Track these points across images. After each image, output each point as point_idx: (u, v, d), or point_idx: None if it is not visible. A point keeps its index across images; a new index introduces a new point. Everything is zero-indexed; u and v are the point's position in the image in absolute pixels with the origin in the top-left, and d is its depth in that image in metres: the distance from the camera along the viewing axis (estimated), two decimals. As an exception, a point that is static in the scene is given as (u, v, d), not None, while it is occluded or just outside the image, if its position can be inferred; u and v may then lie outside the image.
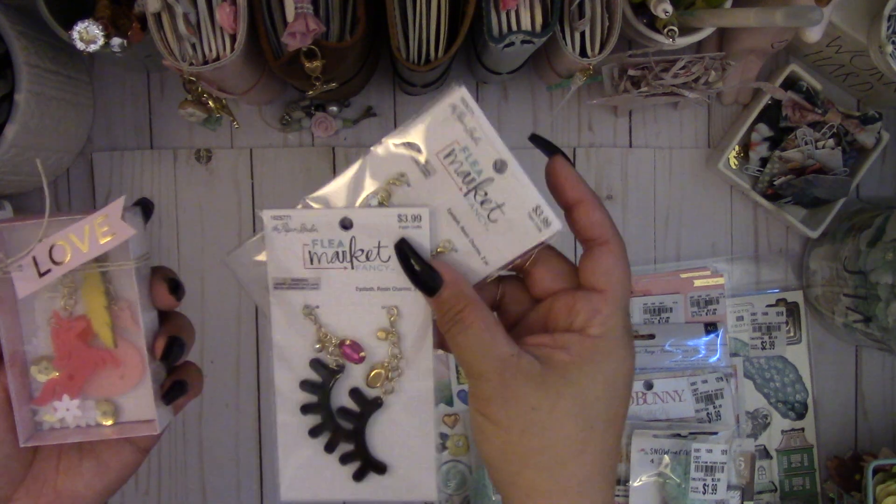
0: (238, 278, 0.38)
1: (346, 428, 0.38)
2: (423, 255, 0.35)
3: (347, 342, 0.38)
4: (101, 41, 0.54)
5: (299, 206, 0.37)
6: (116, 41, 0.55)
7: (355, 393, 0.38)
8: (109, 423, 0.40)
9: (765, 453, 0.76)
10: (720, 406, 0.72)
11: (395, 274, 0.36)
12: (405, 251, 0.35)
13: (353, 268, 0.37)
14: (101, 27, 0.54)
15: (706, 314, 0.75)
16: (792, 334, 0.77)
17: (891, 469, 0.69)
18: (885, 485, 0.68)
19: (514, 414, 0.33)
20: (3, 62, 0.58)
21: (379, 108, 0.74)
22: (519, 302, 0.38)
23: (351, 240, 0.36)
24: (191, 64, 0.55)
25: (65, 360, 0.39)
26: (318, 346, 0.38)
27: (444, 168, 0.36)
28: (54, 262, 0.36)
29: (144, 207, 0.39)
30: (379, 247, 0.36)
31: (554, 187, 0.36)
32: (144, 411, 0.40)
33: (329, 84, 0.59)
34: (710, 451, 0.68)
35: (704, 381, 0.72)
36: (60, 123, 0.65)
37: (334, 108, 0.73)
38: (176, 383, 0.39)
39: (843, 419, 0.79)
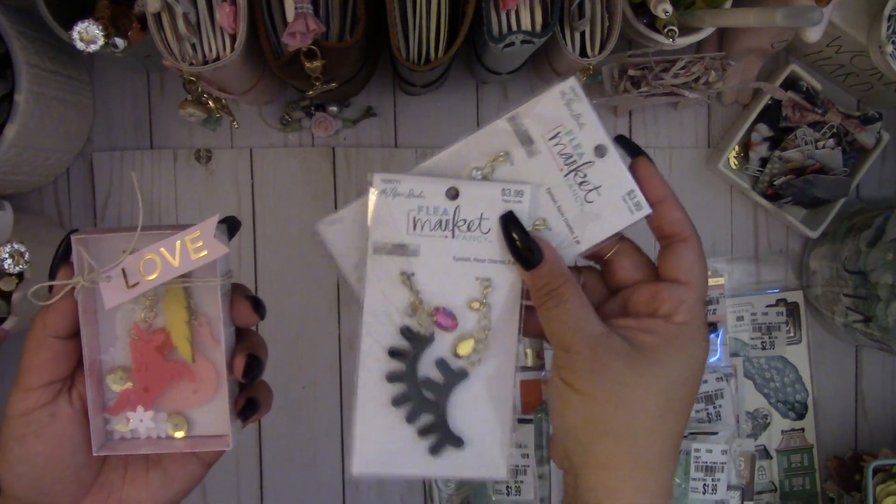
0: (328, 246, 0.38)
1: (429, 399, 0.38)
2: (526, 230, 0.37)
3: (442, 309, 0.38)
4: (101, 41, 0.54)
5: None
6: (119, 42, 0.55)
7: (441, 364, 0.38)
8: (180, 435, 0.40)
9: (765, 453, 0.76)
10: (720, 406, 0.72)
11: (492, 246, 0.37)
12: (510, 225, 0.36)
13: (453, 237, 0.37)
14: (101, 27, 0.54)
15: (706, 314, 0.75)
16: (792, 334, 0.77)
17: (891, 469, 0.69)
18: (885, 485, 0.68)
19: (602, 387, 0.35)
20: (3, 62, 0.58)
21: (379, 108, 0.74)
22: (597, 290, 0.40)
23: (456, 209, 0.37)
24: (191, 64, 0.55)
25: (141, 371, 0.39)
26: (410, 313, 0.38)
27: (548, 149, 0.37)
28: (144, 275, 0.37)
29: (231, 225, 0.39)
30: (481, 218, 0.37)
31: (638, 186, 0.38)
32: (216, 426, 0.40)
33: (329, 84, 0.59)
34: (709, 451, 0.68)
35: (704, 381, 0.72)
36: (60, 123, 0.65)
37: (334, 108, 0.73)
38: (250, 400, 0.40)
39: (843, 419, 0.79)
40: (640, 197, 0.38)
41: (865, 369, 0.79)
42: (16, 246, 0.59)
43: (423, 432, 0.38)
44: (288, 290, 0.74)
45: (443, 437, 0.38)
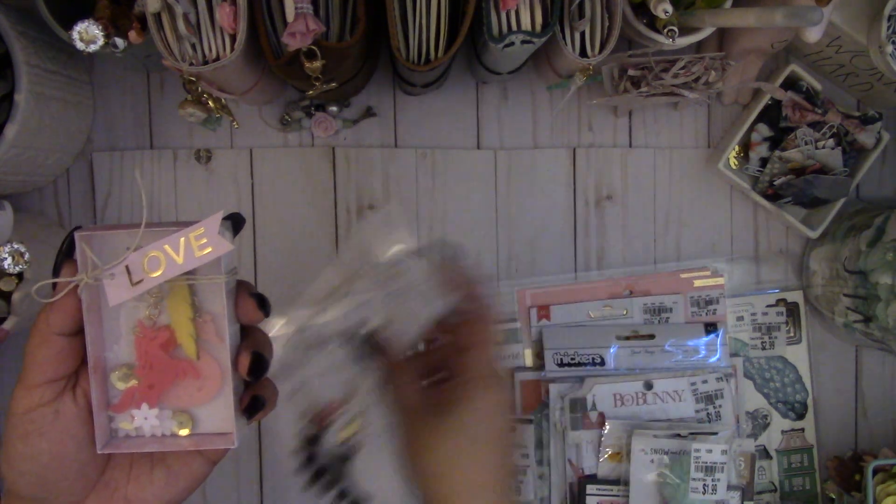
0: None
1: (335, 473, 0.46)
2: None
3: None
4: (101, 41, 0.54)
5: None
6: (118, 42, 0.55)
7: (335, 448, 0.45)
8: (185, 433, 0.40)
9: (765, 453, 0.76)
10: (720, 406, 0.72)
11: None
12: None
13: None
14: (101, 27, 0.54)
15: (706, 314, 0.75)
16: (792, 334, 0.77)
17: (891, 469, 0.69)
18: (885, 485, 0.68)
19: (420, 435, 0.45)
20: (3, 62, 0.58)
21: (379, 108, 0.74)
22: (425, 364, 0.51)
23: None
24: (191, 64, 0.55)
25: (146, 369, 0.39)
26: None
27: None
28: (148, 273, 0.36)
29: (235, 222, 0.39)
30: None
31: (445, 284, 0.48)
32: (221, 424, 0.40)
33: (329, 84, 0.59)
34: (710, 451, 0.68)
35: (704, 382, 0.72)
36: (60, 123, 0.65)
37: (334, 108, 0.73)
38: (255, 398, 0.40)
39: (843, 419, 0.79)
40: None
41: (865, 369, 0.79)
42: (16, 246, 0.59)
43: (339, 499, 0.46)
44: (288, 289, 0.74)
45: (355, 499, 0.46)
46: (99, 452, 0.38)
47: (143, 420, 0.39)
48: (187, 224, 0.37)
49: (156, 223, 0.38)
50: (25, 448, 0.36)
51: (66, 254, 0.37)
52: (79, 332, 0.37)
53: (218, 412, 0.40)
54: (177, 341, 0.39)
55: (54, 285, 0.37)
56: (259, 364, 0.39)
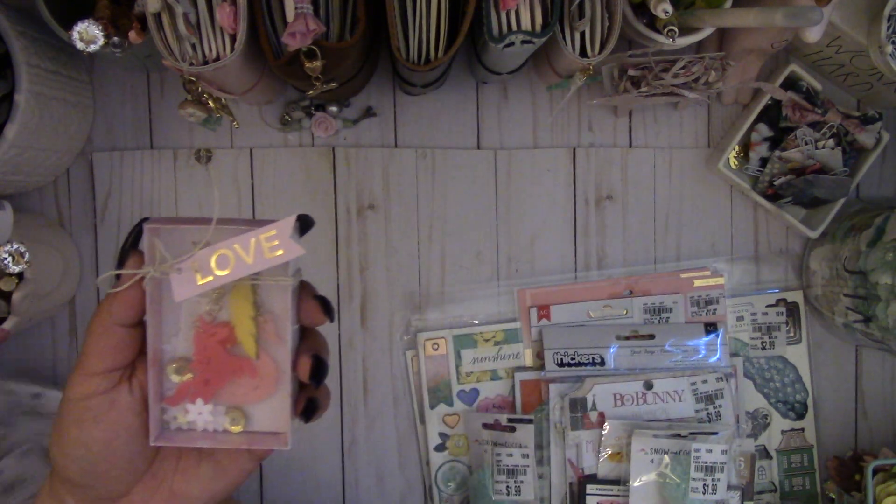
0: None
1: None
2: None
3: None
4: (101, 41, 0.54)
5: None
6: (118, 41, 0.55)
7: None
8: (238, 430, 0.40)
9: (765, 453, 0.76)
10: (720, 406, 0.72)
11: None
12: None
13: None
14: (101, 27, 0.54)
15: (706, 314, 0.75)
16: (792, 334, 0.77)
17: (891, 469, 0.69)
18: (885, 485, 0.68)
19: None
20: (3, 62, 0.58)
21: (379, 108, 0.74)
22: None
23: None
24: (191, 64, 0.55)
25: (204, 364, 0.39)
26: None
27: None
28: (216, 271, 0.36)
29: (305, 224, 0.38)
30: None
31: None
32: (274, 423, 0.40)
33: (329, 84, 0.59)
34: (710, 451, 0.68)
35: (704, 381, 0.72)
36: (60, 123, 0.65)
37: (334, 108, 0.73)
38: (311, 401, 0.40)
39: (843, 419, 0.79)
40: None
41: (865, 369, 0.79)
42: (16, 246, 0.59)
43: None
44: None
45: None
46: (151, 444, 0.38)
47: (197, 415, 0.39)
48: (258, 223, 0.36)
49: (226, 219, 0.37)
50: (79, 434, 0.36)
51: (133, 244, 0.37)
52: (139, 323, 0.37)
53: (272, 411, 0.40)
54: (236, 339, 0.39)
55: (118, 276, 0.36)
56: (320, 368, 0.39)
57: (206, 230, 0.36)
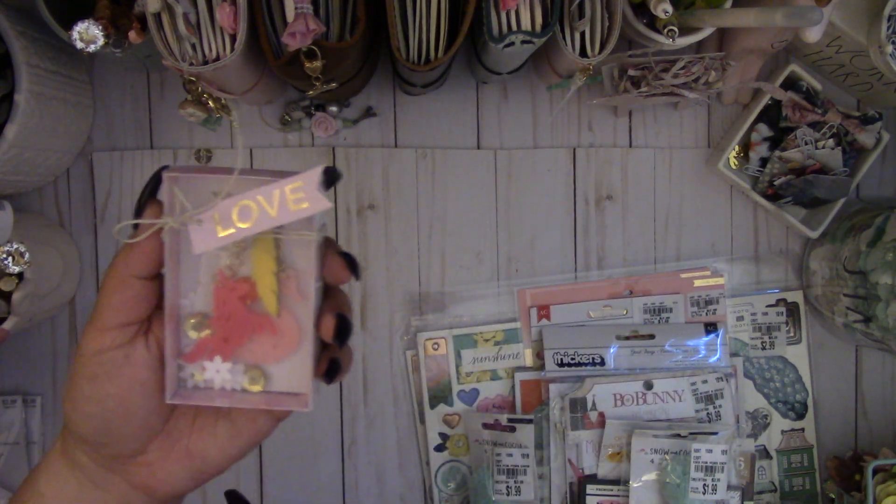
0: None
1: None
2: None
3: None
4: (101, 41, 0.54)
5: None
6: (119, 41, 0.55)
7: None
8: (257, 389, 0.38)
9: (765, 453, 0.76)
10: (720, 406, 0.72)
11: None
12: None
13: None
14: (101, 27, 0.54)
15: (706, 314, 0.75)
16: (792, 334, 0.77)
17: (891, 469, 0.69)
18: (885, 485, 0.68)
19: None
20: (3, 62, 0.58)
21: (379, 108, 0.74)
22: None
23: None
24: (191, 64, 0.55)
25: (223, 320, 0.37)
26: None
27: None
28: (237, 223, 0.34)
29: (331, 176, 0.35)
30: None
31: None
32: (293, 383, 0.38)
33: (329, 84, 0.59)
34: (710, 451, 0.68)
35: (704, 381, 0.72)
36: (60, 123, 0.65)
37: (334, 108, 0.73)
38: (333, 361, 0.38)
39: (843, 419, 0.79)
40: None
41: (865, 369, 0.79)
42: (16, 246, 0.59)
43: None
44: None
45: None
46: (167, 402, 0.37)
47: (215, 373, 0.37)
48: (283, 174, 0.34)
49: (249, 170, 0.35)
50: (92, 390, 0.35)
51: (151, 193, 0.35)
52: (156, 276, 0.36)
53: (292, 371, 0.38)
54: (257, 295, 0.37)
55: (136, 225, 0.35)
56: (344, 327, 0.37)
57: (228, 181, 0.34)
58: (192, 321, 0.37)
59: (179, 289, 0.37)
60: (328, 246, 0.38)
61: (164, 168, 0.35)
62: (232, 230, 0.34)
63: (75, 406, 0.36)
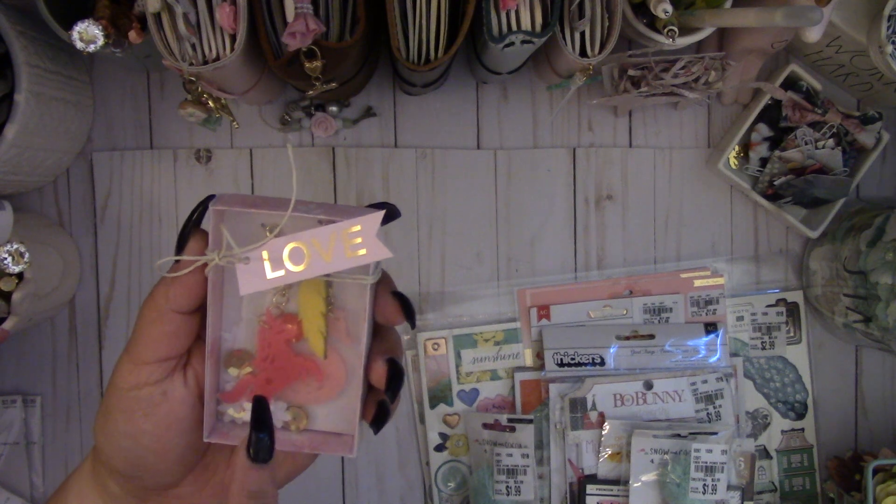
0: None
1: None
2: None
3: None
4: (101, 41, 0.54)
5: None
6: (118, 41, 0.55)
7: None
8: (300, 427, 0.36)
9: (765, 453, 0.76)
10: (720, 406, 0.72)
11: None
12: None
13: None
14: (101, 27, 0.54)
15: (706, 314, 0.75)
16: (792, 334, 0.77)
17: (891, 469, 0.69)
18: (885, 485, 0.68)
19: None
20: (3, 62, 0.58)
21: (379, 108, 0.74)
22: None
23: None
24: (191, 64, 0.55)
25: (267, 361, 0.35)
26: None
27: None
28: (288, 265, 0.32)
29: (390, 214, 0.33)
30: None
31: None
32: (337, 424, 0.37)
33: (329, 84, 0.59)
34: (710, 451, 0.68)
35: (704, 381, 0.72)
36: (60, 123, 0.65)
37: (334, 108, 0.73)
38: (383, 405, 0.36)
39: (843, 419, 0.79)
40: None
41: (865, 369, 0.79)
42: (16, 246, 0.59)
43: None
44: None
45: None
46: (205, 440, 0.35)
47: None
48: (340, 211, 0.32)
49: (303, 202, 0.33)
50: (127, 426, 0.34)
51: (196, 223, 0.33)
52: (197, 310, 0.34)
53: (337, 411, 0.36)
54: (303, 335, 0.35)
55: (179, 260, 0.33)
56: (397, 376, 0.34)
57: (280, 216, 0.32)
58: (234, 358, 0.36)
59: (222, 323, 0.35)
60: (382, 284, 0.35)
61: (212, 197, 0.33)
62: (282, 272, 0.32)
63: (109, 440, 0.35)
